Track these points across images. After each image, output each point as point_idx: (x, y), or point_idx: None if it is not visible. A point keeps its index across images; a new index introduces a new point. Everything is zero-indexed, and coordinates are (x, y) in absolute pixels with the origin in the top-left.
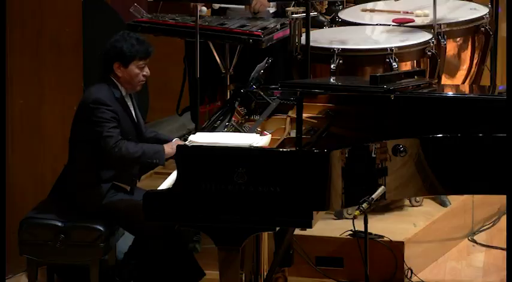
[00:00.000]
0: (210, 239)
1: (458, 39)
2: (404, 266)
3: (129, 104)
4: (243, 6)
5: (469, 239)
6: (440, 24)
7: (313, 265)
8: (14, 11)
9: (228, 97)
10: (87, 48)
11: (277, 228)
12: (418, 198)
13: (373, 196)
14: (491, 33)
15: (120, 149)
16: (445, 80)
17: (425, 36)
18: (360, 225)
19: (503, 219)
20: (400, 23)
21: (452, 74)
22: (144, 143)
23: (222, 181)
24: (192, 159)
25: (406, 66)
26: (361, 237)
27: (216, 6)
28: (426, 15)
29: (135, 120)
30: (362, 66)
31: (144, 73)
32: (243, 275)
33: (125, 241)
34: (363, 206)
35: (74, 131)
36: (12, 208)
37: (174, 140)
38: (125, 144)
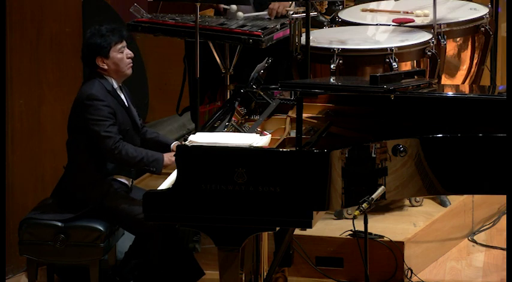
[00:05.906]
0: (210, 239)
1: (458, 39)
2: (404, 266)
3: (122, 95)
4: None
5: (469, 239)
6: (440, 24)
7: (313, 265)
8: (14, 11)
9: (228, 97)
10: None
11: (277, 228)
12: (418, 198)
13: (373, 196)
14: (491, 33)
15: (120, 151)
16: (445, 80)
17: (425, 36)
18: (360, 225)
19: (503, 219)
20: (400, 23)
21: (452, 74)
22: (144, 149)
23: (222, 181)
24: (192, 159)
25: (406, 66)
26: (361, 237)
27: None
28: (426, 15)
29: (130, 111)
30: (362, 66)
31: (129, 55)
32: (243, 275)
33: (125, 241)
34: (363, 206)
35: (71, 131)
36: (12, 208)
37: (173, 144)
38: (125, 146)
